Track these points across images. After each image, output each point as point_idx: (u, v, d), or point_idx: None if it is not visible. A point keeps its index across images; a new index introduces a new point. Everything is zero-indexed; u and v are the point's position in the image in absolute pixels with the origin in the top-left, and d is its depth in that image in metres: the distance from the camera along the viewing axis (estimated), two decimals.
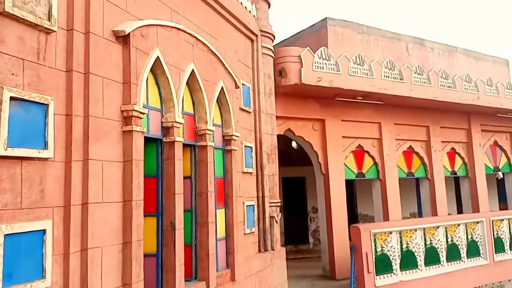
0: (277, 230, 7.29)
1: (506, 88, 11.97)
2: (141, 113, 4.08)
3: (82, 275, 3.49)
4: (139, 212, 3.97)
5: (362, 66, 9.18)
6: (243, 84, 6.80)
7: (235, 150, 6.00)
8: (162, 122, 4.64)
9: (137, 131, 4.02)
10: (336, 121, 9.65)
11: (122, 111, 3.98)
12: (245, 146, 6.68)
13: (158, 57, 4.42)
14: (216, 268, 5.22)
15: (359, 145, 10.04)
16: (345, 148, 9.79)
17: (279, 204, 7.50)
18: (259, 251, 6.91)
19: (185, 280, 4.68)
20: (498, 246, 9.51)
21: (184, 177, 4.90)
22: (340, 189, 9.41)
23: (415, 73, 10.04)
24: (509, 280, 10.30)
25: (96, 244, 3.60)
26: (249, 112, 7.07)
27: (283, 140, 9.52)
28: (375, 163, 10.22)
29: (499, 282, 9.93)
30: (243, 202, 6.38)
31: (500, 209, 14.21)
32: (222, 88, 5.71)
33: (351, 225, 7.70)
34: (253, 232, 6.73)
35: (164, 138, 4.65)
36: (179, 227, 4.55)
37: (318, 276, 9.38)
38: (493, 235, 9.46)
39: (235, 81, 6.16)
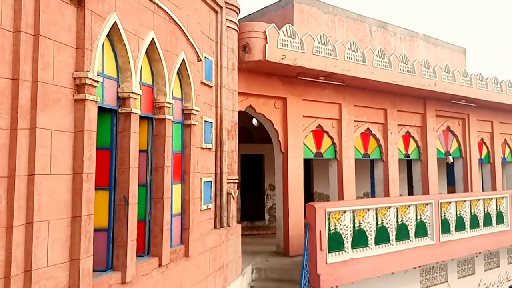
0: (234, 207, 7.28)
1: (462, 75, 12.37)
2: (95, 81, 3.85)
3: (26, 250, 3.31)
4: (90, 186, 3.79)
5: (326, 46, 9.16)
6: (205, 57, 6.61)
7: (195, 125, 5.86)
8: (118, 92, 4.43)
9: (90, 100, 3.81)
10: (298, 100, 9.64)
11: (74, 78, 3.74)
12: (205, 121, 6.55)
13: (115, 22, 4.17)
14: (170, 244, 5.13)
15: (319, 125, 10.11)
16: (305, 127, 9.83)
17: (237, 181, 7.47)
18: (215, 227, 6.88)
19: (137, 256, 4.57)
20: (445, 227, 9.97)
21: (140, 151, 4.73)
22: (298, 168, 9.49)
23: (377, 56, 10.14)
24: (452, 260, 10.88)
25: (43, 218, 3.42)
26: (211, 87, 6.91)
27: (244, 117, 9.44)
28: (334, 144, 10.36)
29: (442, 261, 10.47)
30: (201, 178, 6.29)
31: (448, 192, 14.93)
32: (183, 60, 5.52)
33: (307, 204, 7.79)
34: (210, 208, 6.67)
35: (120, 109, 4.45)
36: (132, 202, 4.41)
37: (272, 253, 9.52)
38: (441, 216, 9.89)
39: (198, 53, 5.97)
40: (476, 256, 11.96)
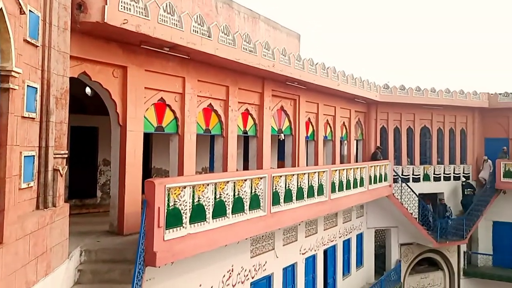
0: (61, 185, 6.52)
1: (296, 59, 13.31)
2: None
3: None
4: None
5: (172, 16, 8.76)
6: (30, 11, 5.62)
7: (14, 89, 4.97)
8: None
9: None
10: (140, 70, 9.07)
11: None
12: (28, 86, 5.62)
13: None
14: None
15: (162, 98, 9.72)
16: (147, 100, 9.35)
17: (66, 155, 6.69)
18: (38, 208, 6.06)
19: None
20: (275, 199, 10.73)
21: None
22: (137, 142, 9.01)
23: (222, 32, 10.16)
24: (279, 229, 11.88)
25: None
26: (36, 46, 5.94)
27: (76, 84, 8.46)
28: (176, 118, 10.12)
29: (271, 230, 11.34)
30: (21, 152, 5.42)
31: (279, 167, 16.16)
32: (1, 9, 4.57)
33: (146, 180, 7.46)
34: (31, 186, 5.83)
35: None
36: None
37: (104, 232, 8.92)
38: (272, 189, 10.61)
39: (20, 4, 5.02)
40: (299, 224, 13.31)
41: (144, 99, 9.25)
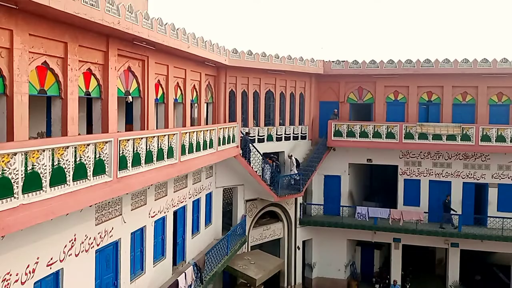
0: None
1: (144, 18, 12.75)
2: None
3: None
4: None
5: None
6: None
7: None
8: None
9: None
10: None
11: None
12: None
13: None
14: None
15: None
16: None
17: None
18: None
19: None
20: (122, 163, 10.48)
21: None
22: None
23: None
24: (127, 194, 11.66)
25: None
26: None
27: None
28: (2, 76, 8.88)
29: (118, 196, 11.08)
30: None
31: (127, 130, 15.61)
32: None
33: None
34: None
35: None
36: None
37: None
38: (119, 154, 10.30)
39: None
40: (148, 188, 13.27)
41: None
